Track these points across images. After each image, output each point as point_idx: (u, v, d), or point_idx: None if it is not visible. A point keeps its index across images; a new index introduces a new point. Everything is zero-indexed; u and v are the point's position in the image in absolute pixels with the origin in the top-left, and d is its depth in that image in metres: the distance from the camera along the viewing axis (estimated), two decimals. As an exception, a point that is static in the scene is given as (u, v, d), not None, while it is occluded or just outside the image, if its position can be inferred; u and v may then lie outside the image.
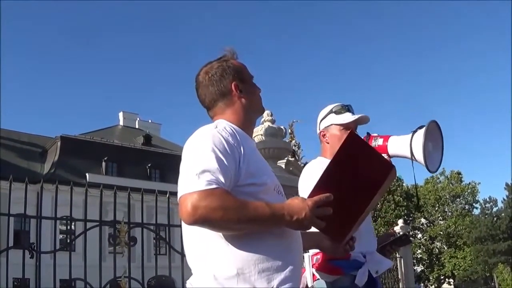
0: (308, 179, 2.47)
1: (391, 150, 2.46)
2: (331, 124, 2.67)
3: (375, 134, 2.53)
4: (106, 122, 60.33)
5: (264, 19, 69.22)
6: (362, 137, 2.45)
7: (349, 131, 2.55)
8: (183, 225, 1.76)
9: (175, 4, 66.70)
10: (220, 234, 1.68)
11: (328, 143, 2.67)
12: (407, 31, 67.15)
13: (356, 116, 2.62)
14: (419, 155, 2.36)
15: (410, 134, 2.41)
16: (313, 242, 2.09)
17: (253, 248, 1.67)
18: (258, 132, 5.98)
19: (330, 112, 2.68)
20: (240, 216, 1.60)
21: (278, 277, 1.67)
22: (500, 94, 64.51)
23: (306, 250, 2.13)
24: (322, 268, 2.39)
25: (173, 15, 66.00)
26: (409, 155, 2.39)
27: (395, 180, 39.21)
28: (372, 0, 64.13)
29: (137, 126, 40.53)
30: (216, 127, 1.77)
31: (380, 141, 2.45)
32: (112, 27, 62.02)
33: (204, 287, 1.66)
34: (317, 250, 2.32)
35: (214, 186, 1.59)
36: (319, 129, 2.73)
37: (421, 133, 2.37)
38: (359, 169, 1.76)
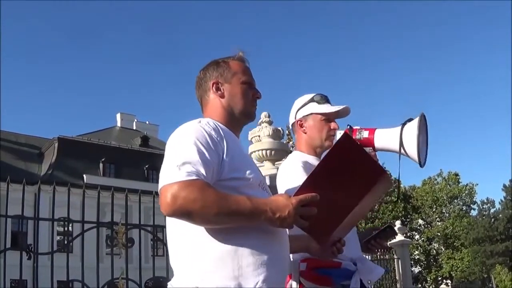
0: (288, 175, 2.35)
1: (378, 144, 2.27)
2: (311, 114, 2.49)
3: (358, 127, 2.35)
4: (103, 123, 60.54)
5: (263, 19, 69.35)
6: (344, 130, 2.35)
7: (336, 128, 2.47)
8: (167, 224, 1.76)
9: (173, 4, 66.78)
10: (203, 230, 1.65)
11: (305, 133, 2.50)
12: (405, 31, 67.32)
13: (340, 107, 2.48)
14: (411, 149, 2.19)
15: (399, 127, 2.25)
16: (302, 244, 2.05)
17: (237, 244, 1.65)
18: (256, 133, 5.99)
19: (311, 101, 2.51)
20: (219, 209, 1.57)
21: (263, 274, 1.65)
22: (499, 95, 64.62)
23: (294, 252, 2.05)
24: (310, 276, 2.24)
25: (172, 16, 66.07)
26: (397, 149, 2.23)
27: (392, 181, 39.16)
28: (372, 0, 64.24)
29: (134, 127, 40.48)
30: (200, 121, 1.78)
31: (365, 134, 2.28)
32: (110, 27, 62.04)
33: (187, 286, 1.63)
34: (305, 256, 2.21)
35: (194, 177, 1.58)
36: (295, 118, 2.53)
37: (413, 126, 2.21)
38: (349, 172, 1.71)
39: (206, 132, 1.72)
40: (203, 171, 1.62)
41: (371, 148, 2.28)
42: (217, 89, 1.93)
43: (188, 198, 1.55)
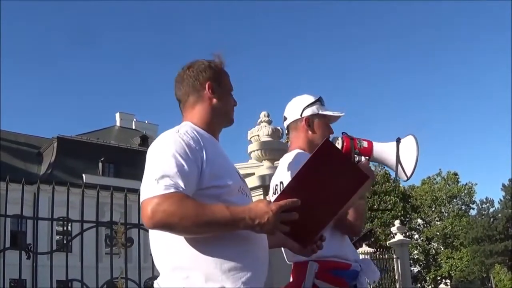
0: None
1: (376, 155, 2.41)
2: (318, 114, 2.50)
3: (353, 136, 2.44)
4: (103, 123, 60.44)
5: (263, 20, 69.30)
6: (342, 136, 2.42)
7: (332, 133, 2.54)
8: None
9: (173, 4, 66.75)
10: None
11: (315, 132, 2.49)
12: (403, 32, 67.27)
13: (343, 113, 2.55)
14: (409, 164, 2.34)
15: (394, 143, 2.39)
16: (279, 240, 2.06)
17: (219, 248, 1.70)
18: (255, 133, 5.98)
19: (317, 101, 2.52)
20: (198, 220, 1.61)
21: (245, 276, 1.71)
22: (499, 95, 64.57)
23: (271, 248, 2.07)
24: (325, 277, 2.30)
25: (171, 15, 66.05)
26: (392, 162, 2.37)
27: (391, 181, 39.48)
28: (371, 0, 64.17)
29: (134, 127, 40.50)
30: (178, 131, 1.81)
31: (365, 144, 2.40)
32: (109, 27, 62.01)
33: (173, 287, 1.69)
34: (318, 257, 2.22)
35: (172, 190, 1.63)
36: (301, 115, 2.51)
37: (411, 143, 2.36)
38: (331, 177, 1.73)
39: (185, 142, 1.75)
40: (181, 183, 1.65)
41: (369, 157, 2.40)
42: (213, 91, 1.96)
43: (167, 212, 1.60)
